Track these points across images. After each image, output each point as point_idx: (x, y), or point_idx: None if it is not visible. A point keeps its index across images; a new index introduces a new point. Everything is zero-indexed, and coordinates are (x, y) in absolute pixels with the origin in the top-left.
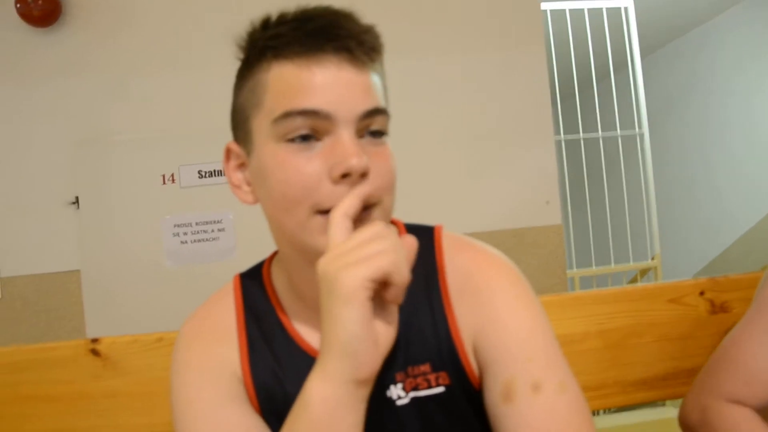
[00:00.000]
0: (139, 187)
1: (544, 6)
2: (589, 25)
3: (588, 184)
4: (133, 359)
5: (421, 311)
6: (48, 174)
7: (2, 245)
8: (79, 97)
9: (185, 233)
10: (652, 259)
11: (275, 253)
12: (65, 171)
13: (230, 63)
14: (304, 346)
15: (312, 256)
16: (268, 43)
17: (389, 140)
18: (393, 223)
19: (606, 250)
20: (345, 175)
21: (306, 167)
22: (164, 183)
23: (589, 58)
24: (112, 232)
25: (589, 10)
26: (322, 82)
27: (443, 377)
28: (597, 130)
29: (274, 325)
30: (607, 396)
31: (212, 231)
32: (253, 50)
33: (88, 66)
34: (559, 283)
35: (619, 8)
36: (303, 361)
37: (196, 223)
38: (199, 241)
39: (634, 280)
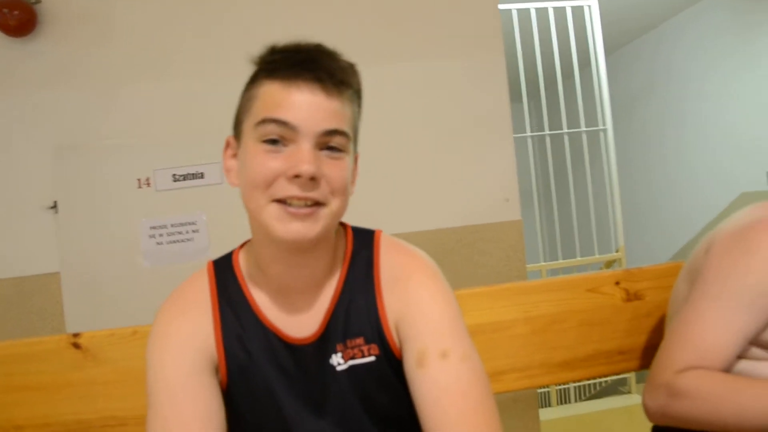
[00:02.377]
0: (116, 191)
1: (509, 6)
2: (554, 24)
3: (555, 180)
4: (110, 351)
5: (359, 296)
6: (27, 180)
7: None
8: (56, 106)
9: (161, 234)
10: (617, 251)
11: (245, 243)
12: (43, 177)
13: (200, 73)
14: (260, 316)
15: (271, 237)
16: (266, 65)
17: (369, 151)
18: (341, 225)
19: (572, 244)
20: (297, 176)
21: (269, 163)
22: (140, 187)
23: (556, 57)
24: (90, 235)
25: (554, 8)
26: (295, 101)
27: (374, 349)
28: (563, 127)
29: (241, 301)
30: (534, 376)
31: (187, 232)
32: (256, 69)
33: (64, 75)
34: (519, 275)
35: (583, 6)
36: (262, 331)
37: (171, 225)
38: (174, 242)
39: None
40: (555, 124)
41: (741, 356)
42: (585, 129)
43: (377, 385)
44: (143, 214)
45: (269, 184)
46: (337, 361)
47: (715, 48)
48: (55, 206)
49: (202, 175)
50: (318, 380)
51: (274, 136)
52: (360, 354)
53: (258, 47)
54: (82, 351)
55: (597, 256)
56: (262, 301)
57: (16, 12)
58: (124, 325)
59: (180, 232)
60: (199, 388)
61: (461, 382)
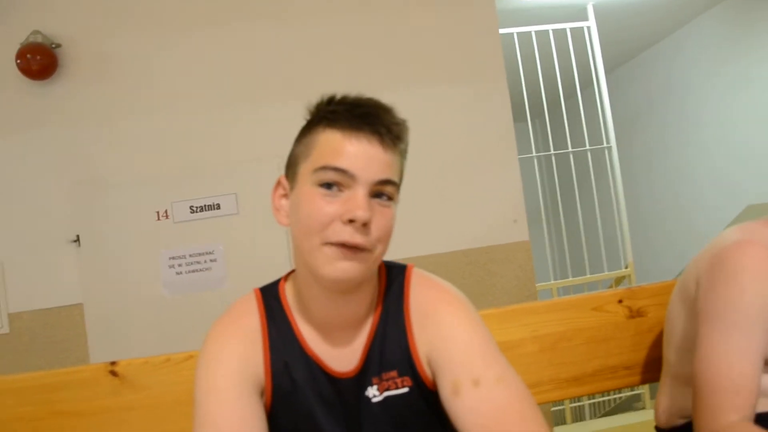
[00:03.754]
0: (135, 223)
1: (510, 30)
2: (555, 45)
3: (562, 199)
4: (145, 377)
5: (392, 331)
6: (50, 215)
7: (10, 282)
8: (76, 143)
9: (180, 264)
10: (626, 267)
11: (290, 273)
12: (66, 211)
13: (212, 107)
14: (305, 347)
15: (319, 278)
16: (326, 115)
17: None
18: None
19: (582, 261)
20: (351, 221)
21: (326, 208)
22: (158, 219)
23: (558, 77)
24: (112, 267)
25: (553, 31)
26: (354, 151)
27: (407, 380)
28: (567, 146)
29: (287, 331)
30: (544, 392)
31: (205, 262)
32: (315, 116)
33: (83, 113)
34: (530, 295)
35: (582, 28)
36: (306, 361)
37: (190, 255)
38: (193, 271)
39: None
40: (560, 143)
41: None
42: (590, 147)
43: (410, 414)
44: (163, 245)
45: (325, 226)
46: (373, 393)
47: (712, 62)
48: (77, 240)
49: (218, 206)
50: (355, 410)
51: (331, 182)
52: (394, 386)
53: (269, 81)
54: (119, 378)
55: (606, 273)
56: (307, 333)
57: (38, 57)
58: (146, 353)
59: (198, 262)
60: (248, 409)
61: (497, 403)
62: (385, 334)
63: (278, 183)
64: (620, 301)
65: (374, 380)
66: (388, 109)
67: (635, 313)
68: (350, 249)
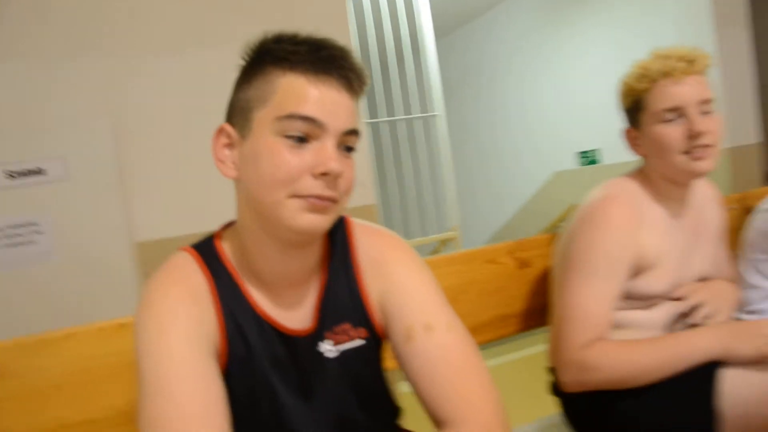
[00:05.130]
0: None
1: None
2: (391, 12)
3: (395, 165)
4: None
5: (341, 283)
6: None
7: None
8: None
9: None
10: (451, 230)
11: (222, 232)
12: None
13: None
14: (256, 308)
15: (280, 230)
16: (284, 56)
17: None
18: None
19: (413, 225)
20: (324, 174)
21: (294, 160)
22: None
23: (389, 43)
24: None
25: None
26: (323, 98)
27: (362, 332)
28: (400, 113)
29: (235, 292)
30: None
31: (27, 234)
32: (267, 57)
33: None
34: None
35: None
36: (255, 320)
37: (8, 227)
38: (11, 245)
39: (436, 251)
40: (390, 110)
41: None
42: (418, 115)
43: (365, 366)
44: None
45: (293, 180)
46: (329, 348)
47: (534, 38)
48: None
49: (43, 171)
50: (310, 367)
51: (299, 133)
52: (349, 338)
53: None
54: None
55: (434, 236)
56: (255, 293)
57: None
58: None
59: (20, 234)
60: (209, 376)
61: (449, 350)
62: (335, 286)
63: (220, 131)
64: (510, 253)
65: (328, 335)
66: (350, 52)
67: (523, 264)
68: (321, 202)
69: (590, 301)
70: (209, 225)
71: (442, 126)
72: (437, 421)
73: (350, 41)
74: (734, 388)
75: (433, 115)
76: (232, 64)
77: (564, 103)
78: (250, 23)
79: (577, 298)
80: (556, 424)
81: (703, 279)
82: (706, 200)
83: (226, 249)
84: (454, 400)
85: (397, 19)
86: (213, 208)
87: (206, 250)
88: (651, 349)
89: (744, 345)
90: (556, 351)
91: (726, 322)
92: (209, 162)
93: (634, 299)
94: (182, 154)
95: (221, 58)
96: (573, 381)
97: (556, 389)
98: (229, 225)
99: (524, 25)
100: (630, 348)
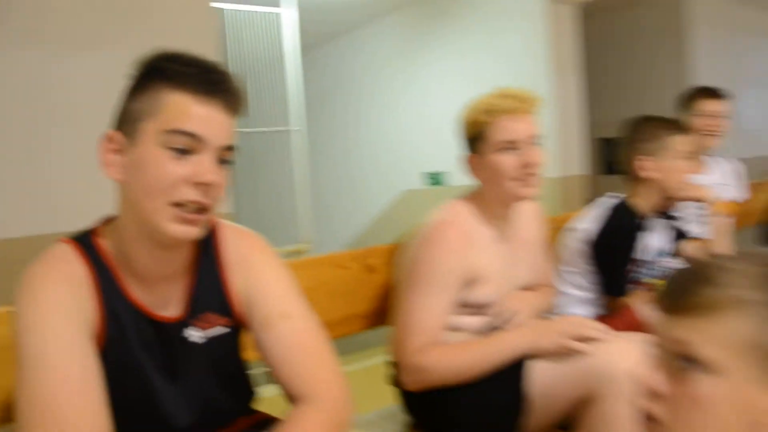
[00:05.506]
0: None
1: (222, 5)
2: (255, 27)
3: (252, 176)
4: None
5: (209, 277)
6: None
7: None
8: None
9: None
10: (304, 243)
11: (100, 228)
12: None
13: None
14: (130, 297)
15: (156, 234)
16: (176, 75)
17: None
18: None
19: (269, 236)
20: (201, 184)
21: (176, 170)
22: None
23: (253, 58)
24: None
25: (256, 13)
26: (206, 117)
27: (226, 320)
28: (262, 125)
29: (113, 283)
30: None
31: None
32: (157, 74)
33: None
34: None
35: (279, 13)
36: (129, 307)
37: None
38: None
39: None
40: (261, 121)
41: None
42: (277, 129)
43: (227, 352)
44: None
45: (174, 188)
46: (196, 335)
47: (397, 60)
48: None
49: None
50: (177, 352)
51: (182, 146)
52: (213, 326)
53: None
54: None
55: (288, 248)
56: (130, 283)
57: None
58: None
59: None
60: (90, 357)
61: (303, 336)
62: (203, 280)
63: (107, 137)
64: (358, 260)
65: (195, 323)
66: (233, 76)
67: (369, 270)
68: (196, 211)
69: (425, 313)
70: (54, 227)
71: (301, 141)
72: (293, 397)
73: (214, 51)
74: (539, 375)
75: (293, 130)
76: (91, 67)
77: (418, 125)
78: (120, 29)
79: (415, 309)
80: (394, 413)
81: (526, 286)
82: (528, 217)
83: (104, 243)
84: (307, 379)
85: (263, 32)
86: (60, 209)
87: (85, 242)
88: (474, 351)
89: (545, 341)
90: (396, 354)
91: (532, 323)
92: (56, 163)
93: (467, 307)
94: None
95: (84, 62)
96: (411, 381)
97: (395, 381)
98: (107, 221)
99: (388, 47)
100: (457, 351)
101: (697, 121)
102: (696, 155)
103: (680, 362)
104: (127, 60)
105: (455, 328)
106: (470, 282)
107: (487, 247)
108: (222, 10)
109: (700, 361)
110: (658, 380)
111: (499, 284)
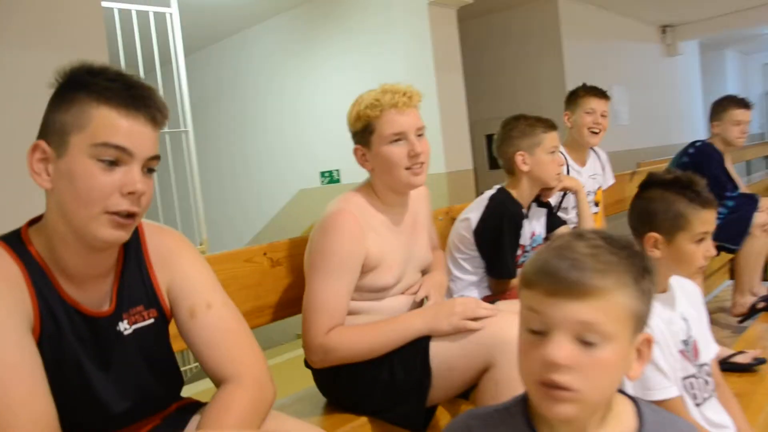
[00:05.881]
0: None
1: (107, 4)
2: (146, 27)
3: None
4: None
5: (135, 273)
6: None
7: None
8: None
9: None
10: (201, 244)
11: (28, 228)
12: None
13: None
14: (63, 294)
15: (87, 238)
16: (101, 90)
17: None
18: None
19: None
20: (131, 193)
21: (106, 181)
22: None
23: (144, 58)
24: None
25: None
26: (132, 130)
27: (153, 312)
28: None
29: (45, 281)
30: None
31: None
32: (82, 89)
33: None
34: None
35: (171, 13)
36: (62, 304)
37: None
38: None
39: None
40: None
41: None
42: (165, 131)
43: (156, 342)
44: None
45: (105, 197)
46: (125, 327)
47: (289, 59)
48: None
49: None
50: (109, 344)
51: (111, 158)
52: (142, 318)
53: None
54: None
55: None
56: (62, 282)
57: None
58: None
59: None
60: (32, 349)
61: (225, 322)
62: (130, 276)
63: (35, 147)
64: (265, 254)
65: (125, 316)
66: (155, 90)
67: (276, 263)
68: (125, 219)
69: (328, 296)
70: None
71: (190, 142)
72: (218, 379)
73: (104, 51)
74: (441, 351)
75: (182, 131)
76: None
77: (312, 124)
78: (13, 28)
79: (318, 294)
80: (310, 395)
81: (423, 266)
82: (418, 201)
83: (34, 243)
84: (231, 361)
85: (149, 33)
86: None
87: (14, 243)
88: (376, 330)
89: (443, 323)
90: (304, 335)
91: (432, 306)
92: None
93: (368, 292)
94: None
95: None
96: (319, 361)
97: (308, 363)
98: (34, 221)
99: (280, 46)
100: (361, 330)
101: (584, 119)
102: (581, 150)
103: (587, 338)
104: (22, 59)
105: (357, 313)
106: (369, 267)
107: (384, 233)
108: (113, 9)
109: (605, 336)
110: (564, 355)
111: (399, 268)
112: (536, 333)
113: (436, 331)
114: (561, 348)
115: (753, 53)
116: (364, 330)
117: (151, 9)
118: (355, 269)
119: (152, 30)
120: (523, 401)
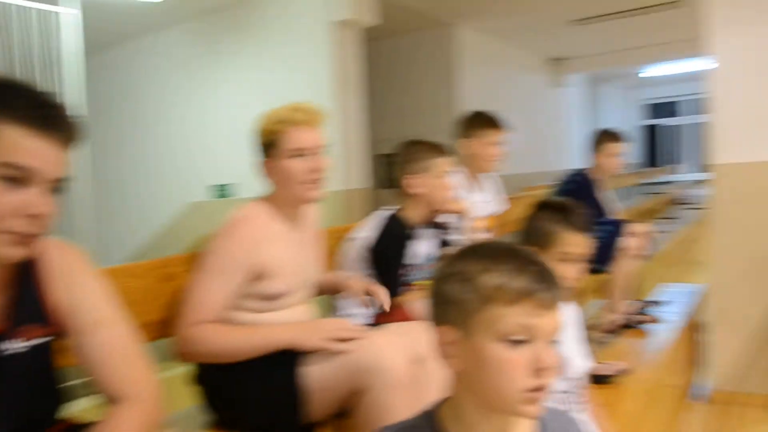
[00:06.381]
0: None
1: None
2: (31, 26)
3: None
4: None
5: (30, 289)
6: None
7: None
8: None
9: None
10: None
11: None
12: None
13: None
14: None
15: None
16: (9, 107)
17: None
18: None
19: None
20: (35, 216)
21: (7, 200)
22: None
23: (28, 58)
24: None
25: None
26: (40, 151)
27: (45, 330)
28: None
29: None
30: None
31: None
32: None
33: None
34: None
35: (59, 13)
36: None
37: None
38: None
39: None
40: None
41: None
42: None
43: (46, 361)
44: None
45: (4, 217)
46: (20, 345)
47: (187, 69)
48: None
49: None
50: (3, 363)
51: (14, 177)
52: (39, 334)
53: None
54: None
55: None
56: None
57: None
58: None
59: None
60: None
61: (118, 340)
62: (23, 293)
63: None
64: (154, 270)
65: (17, 334)
66: (68, 110)
67: (168, 278)
68: (26, 239)
69: (205, 292)
70: None
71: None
72: (111, 398)
73: None
74: (315, 370)
75: None
76: None
77: (204, 137)
78: None
79: (196, 289)
80: (197, 412)
81: (312, 279)
82: (312, 218)
83: None
84: (123, 380)
85: (45, 33)
86: None
87: None
88: (241, 333)
89: (309, 338)
90: (175, 329)
91: (303, 321)
92: None
93: (262, 300)
94: None
95: None
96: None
97: (196, 378)
98: None
99: (176, 56)
100: (225, 329)
101: (485, 149)
102: (473, 176)
103: (555, 340)
104: None
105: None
106: (262, 275)
107: (279, 242)
108: (10, 6)
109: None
110: (553, 359)
111: (290, 277)
112: (517, 342)
113: (301, 346)
114: (551, 353)
115: (630, 90)
116: (229, 330)
117: (36, 6)
118: (234, 273)
119: (41, 29)
120: (428, 416)
